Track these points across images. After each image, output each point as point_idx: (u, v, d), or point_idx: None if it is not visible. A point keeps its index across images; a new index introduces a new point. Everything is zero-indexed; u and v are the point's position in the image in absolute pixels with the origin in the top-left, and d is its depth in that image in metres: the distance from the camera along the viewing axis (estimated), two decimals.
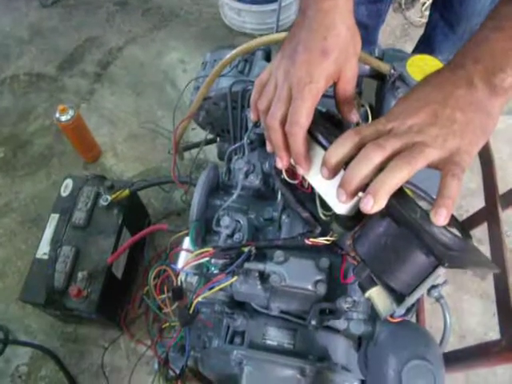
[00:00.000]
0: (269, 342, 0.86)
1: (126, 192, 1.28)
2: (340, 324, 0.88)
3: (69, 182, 1.37)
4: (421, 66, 0.85)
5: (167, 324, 0.99)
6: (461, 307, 1.43)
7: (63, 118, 1.53)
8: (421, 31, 2.11)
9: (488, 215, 0.88)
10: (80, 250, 1.25)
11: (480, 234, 1.12)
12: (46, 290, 1.18)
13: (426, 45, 1.66)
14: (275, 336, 0.86)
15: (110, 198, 1.28)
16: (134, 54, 2.11)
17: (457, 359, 0.76)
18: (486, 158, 0.93)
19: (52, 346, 1.39)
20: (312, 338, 0.86)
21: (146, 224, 1.50)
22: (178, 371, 0.99)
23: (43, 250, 1.27)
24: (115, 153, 1.78)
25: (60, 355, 1.38)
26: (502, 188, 0.99)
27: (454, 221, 0.57)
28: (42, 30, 2.20)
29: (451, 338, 0.91)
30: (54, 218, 1.31)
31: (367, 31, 1.64)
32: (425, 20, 2.16)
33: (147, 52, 2.10)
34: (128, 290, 1.43)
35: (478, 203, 1.10)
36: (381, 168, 0.50)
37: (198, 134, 1.68)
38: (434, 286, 0.69)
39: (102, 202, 1.29)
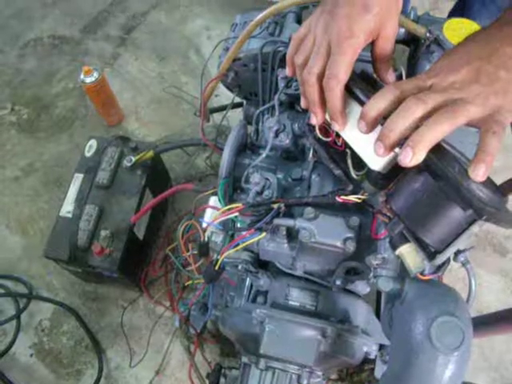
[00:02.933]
0: (291, 302, 0.87)
1: (150, 153, 1.29)
2: (361, 289, 0.89)
3: (93, 143, 1.38)
4: (458, 30, 0.84)
5: (190, 282, 1.01)
6: (479, 283, 1.43)
7: (88, 80, 1.53)
8: (451, 4, 2.06)
9: None
10: (103, 209, 1.26)
11: None
12: (70, 246, 1.20)
13: (459, 14, 1.61)
14: (297, 297, 0.87)
15: (133, 158, 1.28)
16: (158, 19, 2.10)
17: (482, 324, 0.76)
18: None
19: (73, 304, 1.42)
20: (334, 301, 0.87)
21: (168, 187, 1.50)
22: (198, 330, 1.01)
23: (67, 208, 1.28)
24: (138, 117, 1.78)
25: (81, 313, 1.41)
26: None
27: (489, 180, 0.57)
28: None
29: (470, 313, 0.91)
30: (78, 178, 1.32)
31: None
32: None
33: (171, 18, 2.08)
34: (148, 252, 1.44)
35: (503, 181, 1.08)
36: (419, 124, 0.50)
37: (221, 101, 1.68)
38: (460, 251, 0.69)
39: (126, 163, 1.29)
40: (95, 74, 1.54)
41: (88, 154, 1.36)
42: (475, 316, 0.87)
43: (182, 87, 1.83)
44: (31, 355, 1.36)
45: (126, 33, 2.07)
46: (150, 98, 1.83)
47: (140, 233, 1.33)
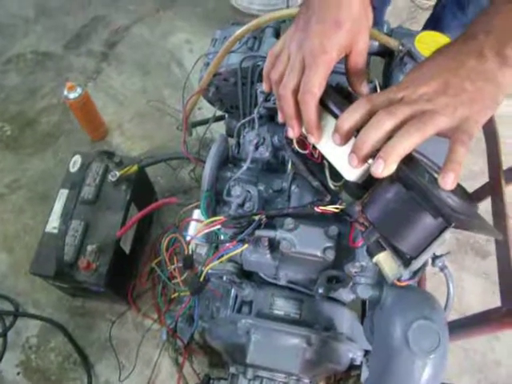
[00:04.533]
0: (276, 311, 0.89)
1: (135, 168, 1.30)
2: (345, 296, 0.91)
3: (77, 158, 1.38)
4: (429, 43, 0.87)
5: (176, 294, 1.02)
6: (461, 286, 1.46)
7: (71, 96, 1.54)
8: (427, 14, 2.11)
9: (492, 189, 0.90)
10: (89, 224, 1.27)
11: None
12: (56, 262, 1.20)
13: (433, 25, 1.65)
14: (282, 306, 0.89)
15: (118, 173, 1.29)
16: (141, 33, 2.12)
17: (459, 327, 0.79)
18: (490, 132, 0.95)
19: (60, 320, 1.42)
20: (318, 309, 0.89)
21: (153, 201, 1.51)
22: (185, 341, 1.02)
23: (52, 224, 1.29)
24: (122, 131, 1.79)
25: (68, 328, 1.41)
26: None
27: (459, 188, 0.59)
28: (48, 9, 2.20)
29: (452, 315, 0.93)
30: (63, 193, 1.32)
31: (373, 13, 1.64)
32: (432, 3, 2.15)
33: (153, 32, 2.11)
34: (135, 265, 1.45)
35: (481, 185, 1.12)
36: (391, 136, 0.52)
37: (204, 114, 1.70)
38: (437, 256, 0.71)
39: (111, 178, 1.30)
40: (78, 90, 1.55)
41: (73, 170, 1.36)
42: (456, 319, 0.90)
43: (165, 101, 1.85)
44: (18, 373, 1.35)
45: (108, 48, 2.08)
46: (133, 111, 1.85)
47: (126, 247, 1.34)
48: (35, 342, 1.40)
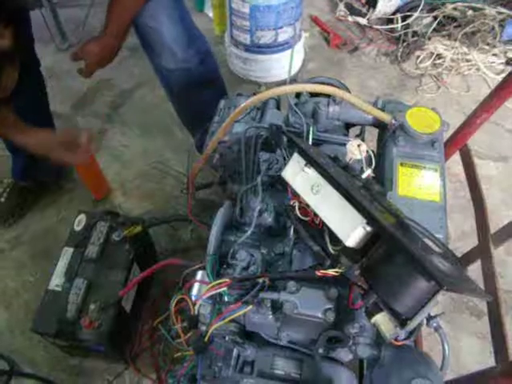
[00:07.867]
0: (277, 371, 0.91)
1: (139, 228, 1.34)
2: (344, 356, 0.93)
3: (82, 218, 1.43)
4: (419, 117, 0.94)
5: (179, 353, 1.03)
6: (458, 346, 1.48)
7: None
8: (416, 82, 2.25)
9: (481, 252, 0.95)
10: (92, 283, 1.29)
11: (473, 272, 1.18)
12: (59, 320, 1.22)
13: None
14: (283, 366, 0.91)
15: (122, 233, 1.34)
16: (144, 96, 2.22)
17: None
18: (477, 199, 1.01)
19: (57, 379, 1.41)
20: (318, 369, 0.91)
21: (154, 260, 1.55)
22: None
23: (55, 281, 1.31)
24: (124, 191, 1.85)
25: None
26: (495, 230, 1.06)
27: (450, 253, 0.64)
28: (58, 73, 2.31)
29: (450, 375, 0.95)
30: (68, 251, 1.36)
31: None
32: (419, 72, 2.30)
33: (157, 95, 2.20)
34: (134, 324, 1.46)
35: (473, 245, 1.17)
36: None
37: (204, 176, 1.76)
38: (432, 317, 0.75)
39: (115, 237, 1.34)
40: None
41: (77, 228, 1.40)
42: (453, 378, 0.92)
43: (167, 162, 1.92)
44: None
45: (113, 109, 2.18)
46: (135, 172, 1.91)
47: (128, 305, 1.36)
48: None
